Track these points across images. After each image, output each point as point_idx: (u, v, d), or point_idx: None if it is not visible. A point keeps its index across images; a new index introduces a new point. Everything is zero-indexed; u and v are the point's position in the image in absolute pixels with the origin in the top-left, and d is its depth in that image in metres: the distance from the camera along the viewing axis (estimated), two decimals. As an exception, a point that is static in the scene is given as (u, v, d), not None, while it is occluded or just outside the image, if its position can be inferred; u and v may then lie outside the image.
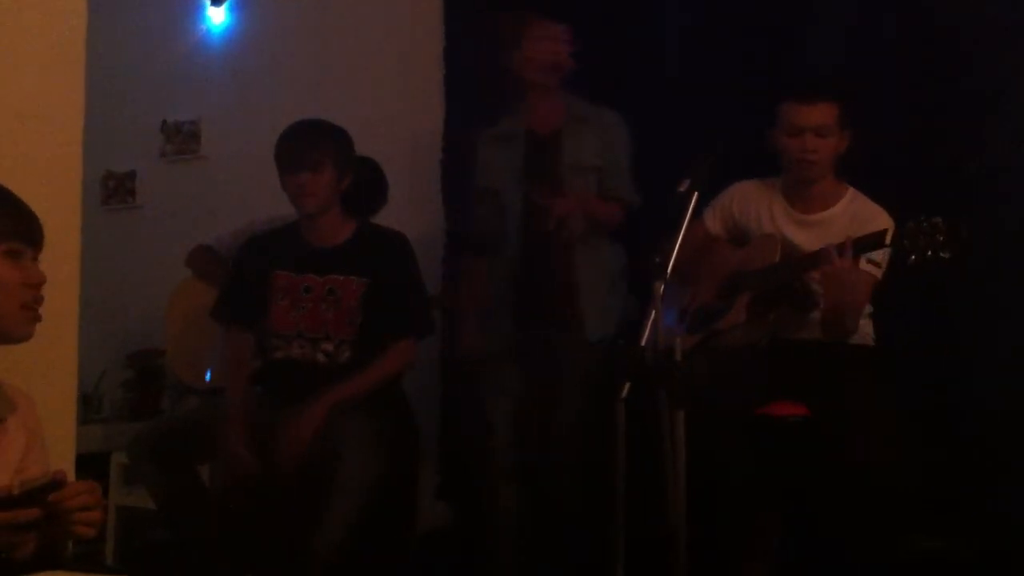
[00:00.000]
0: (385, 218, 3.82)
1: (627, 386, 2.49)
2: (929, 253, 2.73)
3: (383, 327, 3.33)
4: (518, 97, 3.57)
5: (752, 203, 3.28)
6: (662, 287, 2.52)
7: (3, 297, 1.94)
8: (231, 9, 4.83)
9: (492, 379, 3.55)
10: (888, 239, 2.84)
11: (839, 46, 3.63)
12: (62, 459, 2.46)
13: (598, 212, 3.46)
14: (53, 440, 2.24)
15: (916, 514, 2.98)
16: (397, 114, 4.37)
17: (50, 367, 2.53)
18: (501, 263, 3.54)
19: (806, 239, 3.14)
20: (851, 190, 3.20)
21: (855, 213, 3.14)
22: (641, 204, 3.51)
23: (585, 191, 3.47)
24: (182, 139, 4.90)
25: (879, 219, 3.05)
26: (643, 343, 2.54)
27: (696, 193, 2.61)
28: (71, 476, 2.46)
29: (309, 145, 3.34)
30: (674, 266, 2.56)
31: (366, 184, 3.61)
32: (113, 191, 5.01)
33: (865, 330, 3.17)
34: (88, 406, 4.44)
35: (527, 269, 3.50)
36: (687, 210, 2.60)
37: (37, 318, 1.99)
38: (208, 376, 3.79)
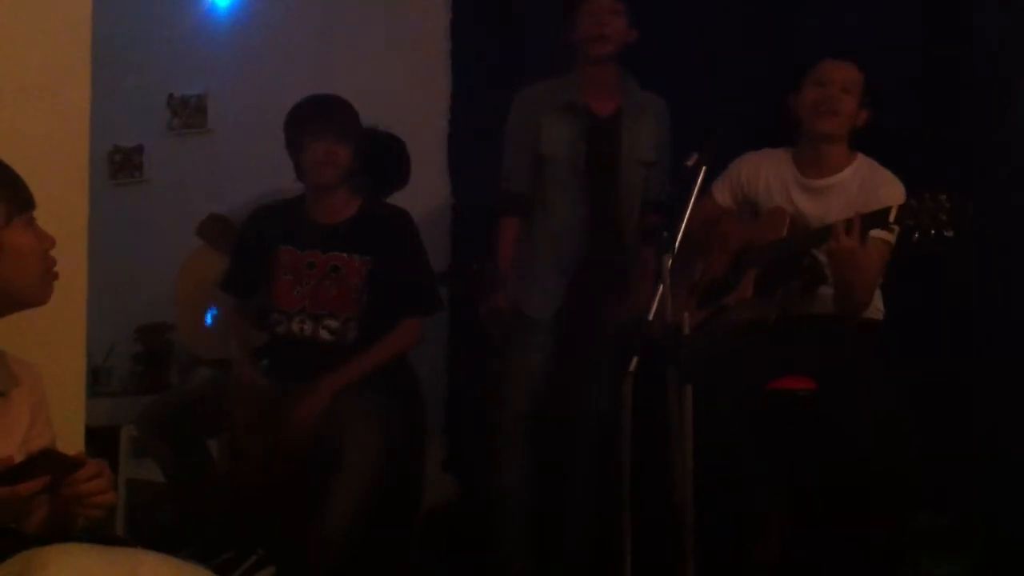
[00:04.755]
0: (393, 192, 3.81)
1: (635, 360, 2.49)
2: (932, 232, 2.72)
3: (390, 305, 3.32)
4: (570, 68, 3.52)
5: (761, 171, 3.27)
6: (670, 261, 2.52)
7: (32, 266, 1.98)
8: (237, -18, 4.81)
9: (519, 347, 3.51)
10: (893, 216, 2.83)
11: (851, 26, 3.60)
12: (71, 432, 2.47)
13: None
14: (62, 414, 2.25)
15: (923, 490, 2.98)
16: (404, 87, 4.35)
17: (59, 341, 2.53)
18: (546, 232, 3.50)
19: (815, 207, 3.13)
20: (860, 156, 3.19)
21: (864, 179, 3.13)
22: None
23: (636, 188, 3.48)
24: (189, 113, 4.89)
25: (888, 187, 3.05)
26: (651, 317, 2.54)
27: (704, 167, 2.60)
28: (80, 449, 2.47)
29: (338, 116, 3.34)
30: (685, 240, 2.56)
31: (388, 160, 3.58)
32: (120, 165, 5.00)
33: (876, 303, 3.15)
34: (97, 379, 4.45)
35: (588, 247, 3.48)
36: (695, 184, 2.59)
37: (56, 277, 2.03)
38: (208, 319, 3.77)
